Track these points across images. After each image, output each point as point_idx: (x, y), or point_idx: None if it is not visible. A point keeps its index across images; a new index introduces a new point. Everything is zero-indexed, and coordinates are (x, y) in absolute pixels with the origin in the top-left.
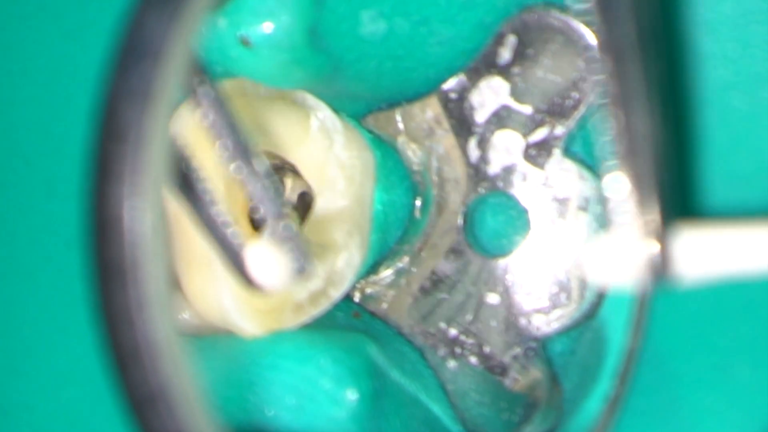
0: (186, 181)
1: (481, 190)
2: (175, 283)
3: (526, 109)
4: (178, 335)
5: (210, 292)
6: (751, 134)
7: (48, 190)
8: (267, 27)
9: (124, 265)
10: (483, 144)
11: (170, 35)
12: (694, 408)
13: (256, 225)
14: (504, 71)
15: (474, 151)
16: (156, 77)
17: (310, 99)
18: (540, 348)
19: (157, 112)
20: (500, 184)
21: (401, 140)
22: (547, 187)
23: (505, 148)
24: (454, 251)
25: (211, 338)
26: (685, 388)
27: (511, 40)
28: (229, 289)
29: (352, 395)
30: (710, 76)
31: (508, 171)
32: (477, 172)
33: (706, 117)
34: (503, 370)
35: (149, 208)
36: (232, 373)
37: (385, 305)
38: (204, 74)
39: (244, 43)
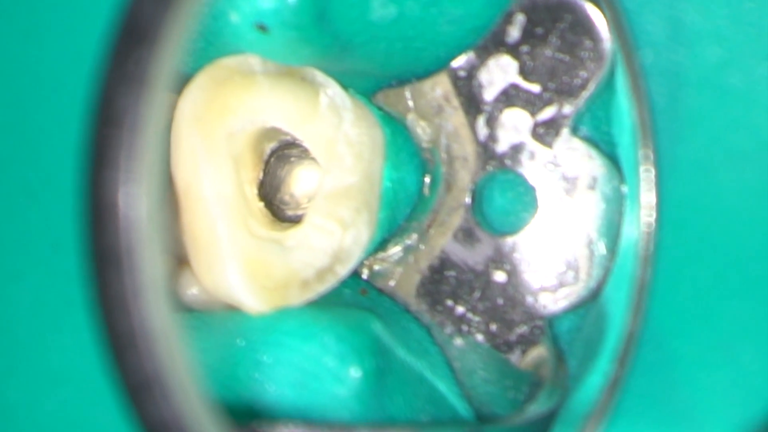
0: None
1: (490, 168)
2: (182, 260)
3: (535, 88)
4: (175, 321)
5: (216, 269)
6: (748, 112)
7: (44, 177)
8: (275, 4)
9: (120, 251)
10: (491, 122)
11: (166, 21)
12: (695, 389)
13: (276, 208)
14: (512, 50)
15: (482, 129)
16: (152, 63)
17: (320, 76)
18: (546, 326)
19: (153, 98)
20: (508, 162)
21: (411, 117)
22: (555, 166)
23: (514, 127)
24: (463, 229)
25: (217, 315)
26: (686, 369)
27: (520, 18)
28: (235, 266)
29: (355, 373)
30: (704, 54)
31: (517, 149)
32: (485, 150)
33: (702, 96)
34: (509, 348)
35: (145, 194)
36: (237, 349)
37: (392, 282)
38: None
39: (261, 29)
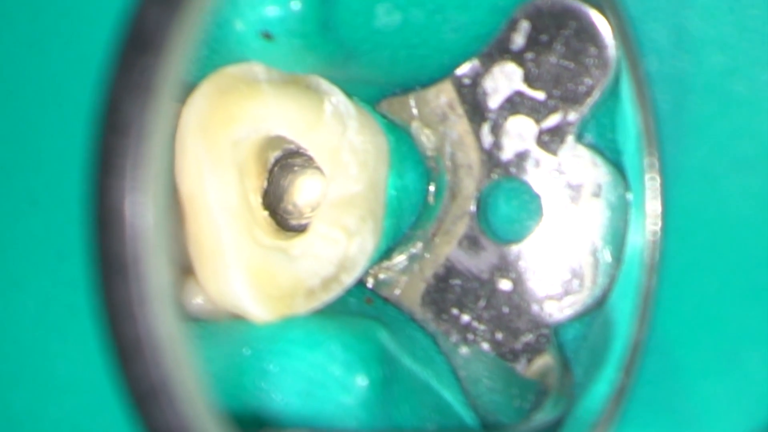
0: None
1: (495, 176)
2: (187, 269)
3: (539, 95)
4: (181, 329)
5: (221, 278)
6: (752, 119)
7: (50, 185)
8: (280, 12)
9: (126, 259)
10: (496, 130)
11: (172, 29)
12: (701, 397)
13: (280, 218)
14: (517, 57)
15: (487, 137)
16: (158, 71)
17: (324, 84)
18: (552, 334)
19: (159, 106)
20: (513, 170)
21: (415, 125)
22: (560, 174)
23: (518, 134)
24: (468, 237)
25: (222, 324)
26: (692, 377)
27: (525, 25)
28: (240, 275)
29: (361, 381)
30: (709, 61)
31: (521, 157)
32: (490, 158)
33: (706, 103)
34: (515, 357)
35: (151, 203)
36: (243, 358)
37: (397, 291)
38: None
39: (266, 37)
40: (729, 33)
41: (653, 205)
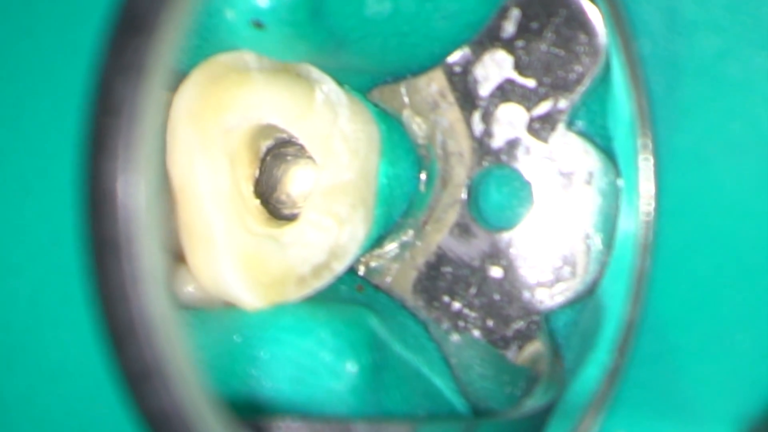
0: None
1: (485, 164)
2: (178, 257)
3: (530, 83)
4: (174, 310)
5: (213, 265)
6: (745, 101)
7: (42, 168)
8: (271, 1)
9: (119, 240)
10: (487, 117)
11: (164, 10)
12: (694, 378)
13: (272, 207)
14: (508, 45)
15: (478, 125)
16: (150, 52)
17: (315, 72)
18: (543, 321)
19: (151, 87)
20: (504, 157)
21: (406, 114)
22: (551, 161)
23: (509, 122)
24: (459, 225)
25: (213, 311)
26: (686, 359)
27: (515, 13)
28: (231, 262)
29: (352, 368)
30: (702, 44)
31: (512, 145)
32: (481, 146)
33: (699, 85)
34: (506, 344)
35: (143, 183)
36: (234, 345)
37: (389, 279)
38: None
39: (257, 25)
40: (722, 15)
41: (647, 186)
